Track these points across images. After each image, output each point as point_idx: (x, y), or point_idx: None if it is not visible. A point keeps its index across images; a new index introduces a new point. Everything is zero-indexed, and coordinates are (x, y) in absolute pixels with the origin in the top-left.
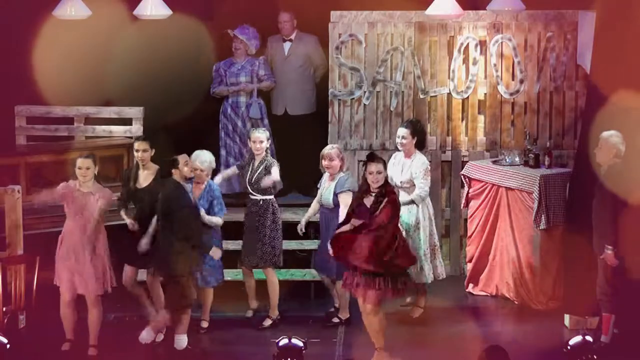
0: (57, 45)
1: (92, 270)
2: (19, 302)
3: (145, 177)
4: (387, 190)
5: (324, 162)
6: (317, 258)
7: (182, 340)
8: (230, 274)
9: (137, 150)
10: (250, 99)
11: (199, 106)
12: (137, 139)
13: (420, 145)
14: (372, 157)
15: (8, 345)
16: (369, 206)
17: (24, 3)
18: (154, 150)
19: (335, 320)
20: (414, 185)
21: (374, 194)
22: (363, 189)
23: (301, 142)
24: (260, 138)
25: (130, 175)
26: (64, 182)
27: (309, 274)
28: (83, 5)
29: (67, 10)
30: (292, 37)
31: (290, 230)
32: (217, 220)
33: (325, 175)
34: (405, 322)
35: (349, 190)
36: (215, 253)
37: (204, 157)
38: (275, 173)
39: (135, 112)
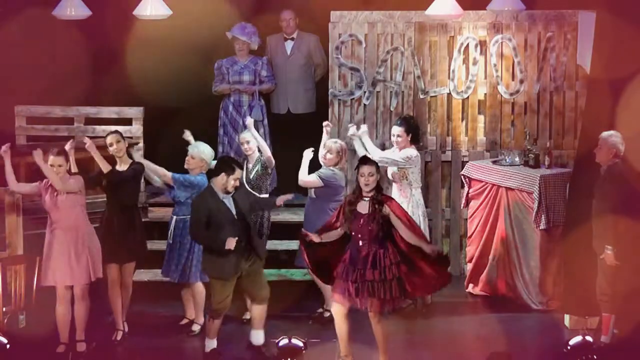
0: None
1: (79, 261)
2: (19, 302)
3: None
4: (385, 197)
5: (324, 153)
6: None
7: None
8: None
9: (111, 145)
10: (253, 100)
11: (199, 105)
12: (108, 134)
13: (415, 140)
14: (364, 160)
15: (8, 345)
16: (364, 213)
17: (24, 3)
18: (127, 142)
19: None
20: (402, 176)
21: (367, 199)
22: (356, 194)
23: (303, 141)
24: (246, 138)
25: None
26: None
27: (309, 274)
28: (83, 5)
29: (67, 10)
30: (294, 35)
31: (291, 231)
32: None
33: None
34: (405, 321)
35: (318, 176)
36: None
37: (202, 148)
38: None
39: (135, 112)
